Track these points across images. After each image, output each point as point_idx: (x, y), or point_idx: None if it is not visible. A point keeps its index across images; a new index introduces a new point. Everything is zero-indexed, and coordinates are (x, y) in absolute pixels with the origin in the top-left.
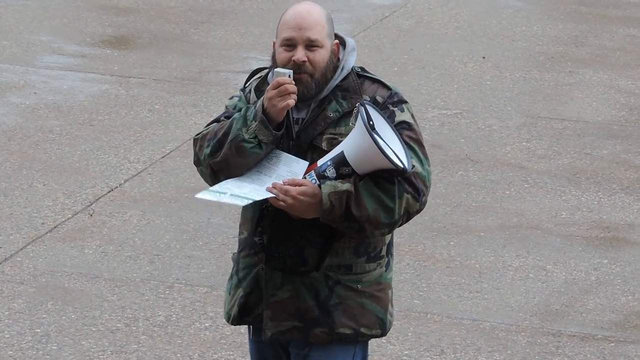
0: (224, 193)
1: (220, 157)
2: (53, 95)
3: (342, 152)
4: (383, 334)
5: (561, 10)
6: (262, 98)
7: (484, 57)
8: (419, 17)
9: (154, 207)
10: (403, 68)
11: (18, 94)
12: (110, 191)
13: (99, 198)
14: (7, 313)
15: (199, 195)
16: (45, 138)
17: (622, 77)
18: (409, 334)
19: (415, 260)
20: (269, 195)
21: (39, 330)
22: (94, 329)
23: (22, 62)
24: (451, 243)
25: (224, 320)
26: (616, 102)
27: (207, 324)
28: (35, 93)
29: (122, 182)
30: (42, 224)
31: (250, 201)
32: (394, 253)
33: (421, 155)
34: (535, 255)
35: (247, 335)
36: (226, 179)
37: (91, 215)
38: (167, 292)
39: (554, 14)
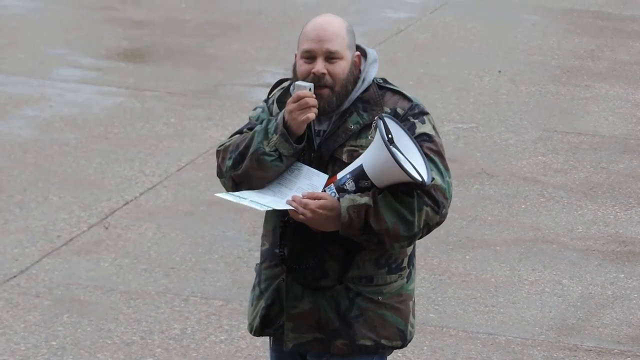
0: (245, 198)
1: (241, 170)
2: (69, 108)
3: (361, 165)
4: (404, 345)
5: (577, 24)
6: (283, 111)
7: (499, 71)
8: (434, 30)
9: (170, 220)
10: (419, 82)
11: (34, 107)
12: (125, 204)
13: (115, 211)
14: (22, 326)
15: (219, 195)
16: (61, 151)
17: (638, 91)
18: (425, 347)
19: (431, 274)
20: (288, 207)
21: (54, 343)
22: (109, 342)
23: (38, 75)
24: (467, 257)
25: (239, 333)
26: (632, 116)
27: (222, 337)
28: (50, 106)
29: (138, 195)
30: (58, 236)
31: (269, 208)
32: (415, 264)
33: (441, 167)
34: (551, 270)
35: (262, 349)
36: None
37: (106, 228)
38: (182, 305)
39: (570, 28)
